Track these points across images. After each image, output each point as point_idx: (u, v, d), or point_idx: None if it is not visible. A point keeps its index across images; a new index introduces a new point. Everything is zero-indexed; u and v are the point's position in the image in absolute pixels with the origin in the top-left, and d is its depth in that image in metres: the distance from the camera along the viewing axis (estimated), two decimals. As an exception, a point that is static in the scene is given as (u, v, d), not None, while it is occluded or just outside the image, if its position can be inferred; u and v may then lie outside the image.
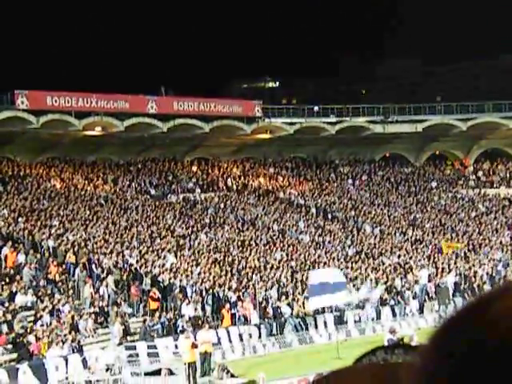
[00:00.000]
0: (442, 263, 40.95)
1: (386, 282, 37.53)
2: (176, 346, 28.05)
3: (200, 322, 30.00)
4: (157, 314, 30.28)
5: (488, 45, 75.68)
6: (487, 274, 40.39)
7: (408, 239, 44.87)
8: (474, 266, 41.25)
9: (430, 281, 38.52)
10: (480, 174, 56.71)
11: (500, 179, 56.00)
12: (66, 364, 25.17)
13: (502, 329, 0.57)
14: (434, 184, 54.49)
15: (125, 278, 32.24)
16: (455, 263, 41.28)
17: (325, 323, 33.28)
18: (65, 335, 26.43)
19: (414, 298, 37.35)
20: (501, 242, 45.49)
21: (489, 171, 57.00)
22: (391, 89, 74.06)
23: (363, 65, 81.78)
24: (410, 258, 41.70)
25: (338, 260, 39.33)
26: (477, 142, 57.73)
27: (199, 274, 33.90)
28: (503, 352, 0.56)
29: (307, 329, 32.79)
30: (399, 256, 41.65)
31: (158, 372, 26.51)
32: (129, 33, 73.09)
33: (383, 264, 39.87)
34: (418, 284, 38.18)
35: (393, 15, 78.17)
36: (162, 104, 47.92)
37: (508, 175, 56.32)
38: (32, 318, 27.61)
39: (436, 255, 42.29)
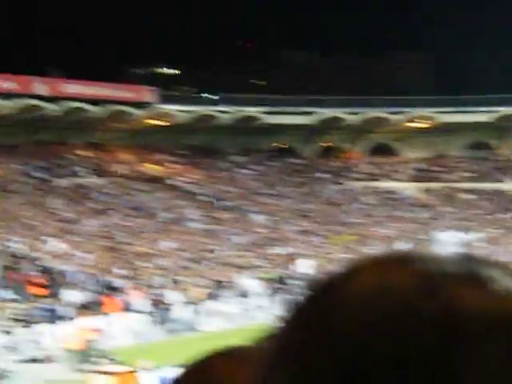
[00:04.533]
0: (331, 254, 41.79)
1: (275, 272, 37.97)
2: (58, 333, 27.48)
3: (84, 308, 29.49)
4: (40, 299, 29.57)
5: (378, 40, 77.82)
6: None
7: (298, 230, 45.57)
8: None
9: (314, 272, 39.17)
10: (366, 167, 58.24)
11: (385, 173, 57.70)
12: None
13: (352, 308, 0.56)
14: (322, 176, 55.55)
15: (7, 262, 31.31)
16: (344, 254, 42.19)
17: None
18: None
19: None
20: (386, 235, 46.83)
21: (375, 165, 58.63)
22: (283, 80, 74.83)
23: (259, 55, 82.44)
24: (300, 248, 42.36)
25: (229, 249, 39.54)
26: (364, 136, 59.22)
27: (85, 259, 33.32)
28: (350, 332, 0.56)
29: (195, 317, 32.79)
30: (289, 246, 42.24)
31: (39, 359, 25.95)
32: (19, 12, 70.75)
33: (273, 254, 40.34)
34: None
35: (285, 4, 79.25)
36: (53, 86, 46.68)
37: (393, 169, 58.11)
38: None
39: (325, 246, 43.14)
